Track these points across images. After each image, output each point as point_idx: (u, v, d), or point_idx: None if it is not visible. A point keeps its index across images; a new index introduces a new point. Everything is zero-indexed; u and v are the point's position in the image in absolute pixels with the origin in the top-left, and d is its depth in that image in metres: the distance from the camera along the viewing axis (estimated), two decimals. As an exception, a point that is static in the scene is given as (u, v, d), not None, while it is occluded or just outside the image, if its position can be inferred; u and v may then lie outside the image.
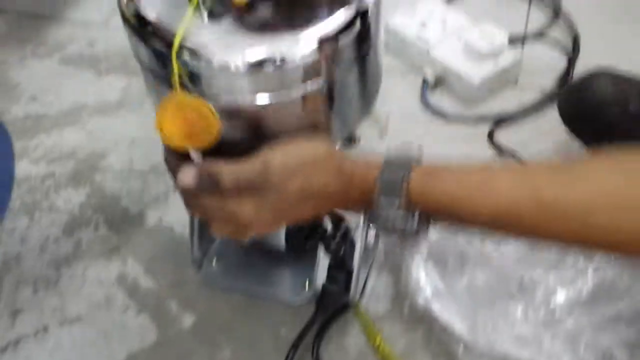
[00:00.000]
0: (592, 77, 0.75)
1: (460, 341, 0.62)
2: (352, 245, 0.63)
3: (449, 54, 0.90)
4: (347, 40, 0.49)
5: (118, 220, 0.79)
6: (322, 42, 0.47)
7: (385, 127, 0.87)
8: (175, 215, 0.79)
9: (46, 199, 0.82)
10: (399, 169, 0.47)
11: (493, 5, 1.05)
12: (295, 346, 0.65)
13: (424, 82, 0.91)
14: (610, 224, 0.42)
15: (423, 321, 0.66)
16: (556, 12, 1.01)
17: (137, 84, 0.97)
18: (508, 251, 0.64)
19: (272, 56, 0.46)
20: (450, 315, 0.64)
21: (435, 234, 0.67)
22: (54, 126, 0.91)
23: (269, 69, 0.47)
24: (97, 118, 0.92)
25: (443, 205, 0.46)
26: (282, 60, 0.46)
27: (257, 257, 0.71)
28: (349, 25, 0.48)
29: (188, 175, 0.49)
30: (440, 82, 0.92)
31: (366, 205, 0.49)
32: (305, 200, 0.50)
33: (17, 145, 0.89)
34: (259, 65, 0.47)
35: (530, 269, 0.62)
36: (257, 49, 0.46)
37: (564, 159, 0.48)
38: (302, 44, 0.47)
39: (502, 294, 0.63)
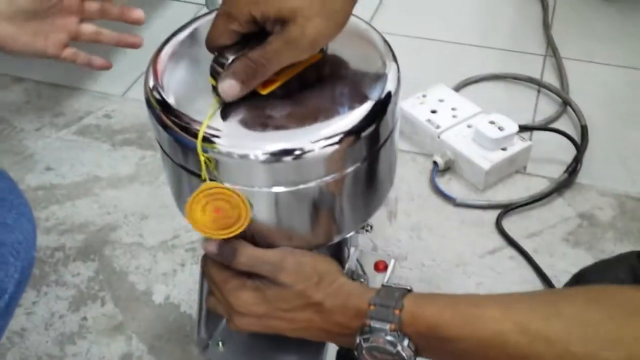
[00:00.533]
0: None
1: None
2: None
3: (459, 139, 0.92)
4: (366, 134, 0.50)
5: (124, 297, 0.79)
6: (342, 136, 0.48)
7: (394, 211, 0.88)
8: (182, 293, 0.79)
9: (55, 272, 0.82)
10: (392, 294, 0.50)
11: (501, 94, 1.08)
12: None
13: (434, 166, 0.92)
14: (588, 353, 0.43)
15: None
16: (565, 103, 1.03)
17: (151, 158, 0.98)
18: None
19: (292, 148, 0.47)
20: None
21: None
22: (67, 198, 0.92)
23: (287, 160, 0.48)
24: (109, 191, 0.93)
25: (431, 330, 0.48)
26: (302, 152, 0.47)
27: (263, 340, 0.70)
28: (368, 119, 0.50)
29: (212, 242, 0.52)
30: (449, 166, 0.93)
31: (356, 330, 0.50)
32: (301, 309, 0.52)
33: (29, 215, 0.90)
34: (277, 156, 0.48)
35: None
36: (277, 141, 0.47)
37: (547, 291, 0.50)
38: (322, 138, 0.48)
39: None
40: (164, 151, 0.52)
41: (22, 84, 1.13)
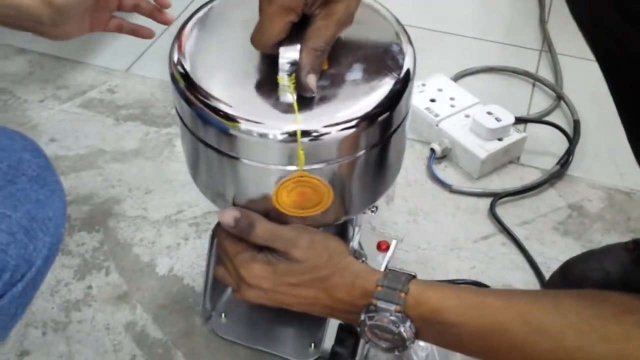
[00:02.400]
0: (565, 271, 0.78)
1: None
2: None
3: (457, 128, 0.95)
4: (381, 119, 0.52)
5: (129, 267, 0.81)
6: (357, 121, 0.50)
7: (392, 195, 0.91)
8: (185, 266, 0.81)
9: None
10: (399, 278, 0.53)
11: (498, 86, 1.10)
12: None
13: (432, 153, 0.95)
14: (581, 347, 0.46)
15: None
16: (559, 97, 1.06)
17: (154, 134, 1.00)
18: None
19: (307, 130, 0.49)
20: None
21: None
22: (72, 169, 0.94)
23: (305, 141, 0.50)
24: (113, 164, 0.95)
25: (434, 314, 0.51)
26: (320, 134, 0.49)
27: (265, 313, 0.73)
28: (384, 105, 0.52)
29: (229, 215, 0.54)
30: (446, 154, 0.96)
31: (362, 308, 0.53)
32: (308, 285, 0.55)
33: (33, 185, 0.91)
34: (295, 136, 0.50)
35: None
36: (294, 123, 0.50)
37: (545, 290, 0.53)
38: (337, 122, 0.50)
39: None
40: (185, 125, 0.54)
41: (25, 55, 1.14)
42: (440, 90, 1.01)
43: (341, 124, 0.50)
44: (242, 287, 0.57)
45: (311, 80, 0.50)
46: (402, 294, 0.51)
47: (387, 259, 0.72)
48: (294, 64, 0.50)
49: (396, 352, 0.54)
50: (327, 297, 0.55)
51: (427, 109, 0.98)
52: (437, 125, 0.96)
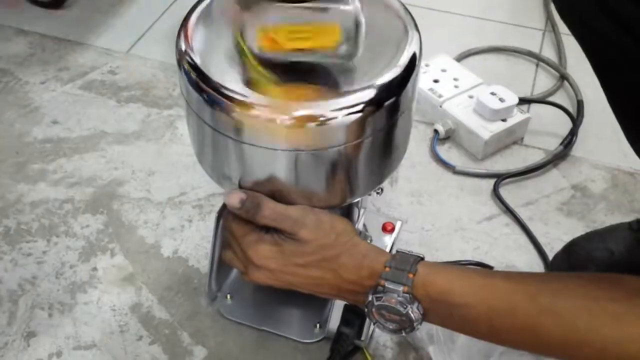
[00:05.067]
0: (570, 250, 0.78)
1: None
2: None
3: (461, 109, 0.94)
4: (388, 104, 0.52)
5: (134, 249, 0.81)
6: (363, 106, 0.50)
7: (395, 176, 0.91)
8: (190, 248, 0.81)
9: (64, 223, 0.84)
10: (407, 260, 0.53)
11: (501, 67, 1.10)
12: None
13: (435, 134, 0.95)
14: (591, 329, 0.46)
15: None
16: (562, 78, 1.06)
17: (156, 115, 1.00)
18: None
19: (314, 115, 0.49)
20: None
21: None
22: (74, 151, 0.93)
23: (311, 126, 0.50)
24: (116, 146, 0.94)
25: (442, 295, 0.51)
26: (326, 119, 0.49)
27: (271, 294, 0.73)
28: (390, 90, 0.52)
29: (235, 197, 0.54)
30: (450, 135, 0.96)
31: (369, 289, 0.53)
32: (316, 265, 0.55)
33: (35, 168, 0.91)
34: (301, 122, 0.50)
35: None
36: (301, 108, 0.49)
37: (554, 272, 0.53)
38: (343, 107, 0.50)
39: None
40: (190, 108, 0.54)
41: (25, 36, 1.13)
42: (443, 70, 1.00)
43: (348, 108, 0.50)
44: (249, 268, 0.57)
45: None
46: (410, 275, 0.51)
47: (392, 240, 0.72)
48: None
49: (403, 334, 0.55)
50: (335, 277, 0.55)
51: (431, 89, 0.97)
52: (440, 106, 0.96)
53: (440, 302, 0.51)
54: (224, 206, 0.65)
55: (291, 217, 0.54)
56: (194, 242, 0.82)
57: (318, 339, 0.71)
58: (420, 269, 0.52)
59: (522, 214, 0.86)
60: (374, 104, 0.51)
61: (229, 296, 0.74)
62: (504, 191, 0.89)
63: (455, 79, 0.99)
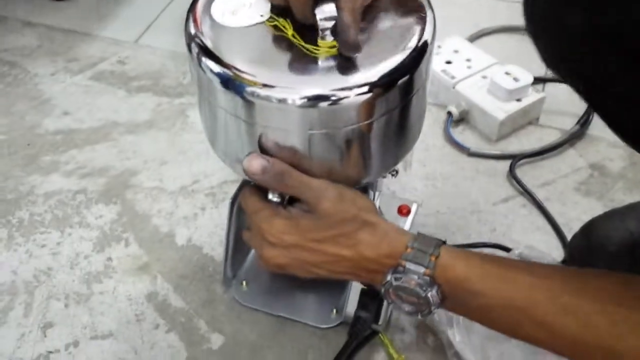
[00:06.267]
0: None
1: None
2: None
3: (474, 90, 0.93)
4: (401, 82, 0.51)
5: (148, 238, 0.81)
6: (376, 85, 0.49)
7: (409, 160, 0.90)
8: (204, 236, 0.81)
9: (77, 214, 0.84)
10: (430, 241, 0.51)
11: (514, 46, 1.08)
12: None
13: (449, 116, 0.94)
14: (614, 334, 0.44)
15: (446, 353, 0.68)
16: (577, 55, 1.04)
17: (167, 104, 0.99)
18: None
19: (326, 94, 0.48)
20: (466, 347, 0.66)
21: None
22: (85, 142, 0.93)
23: (322, 106, 0.49)
24: (127, 136, 0.94)
25: (462, 282, 0.49)
26: (339, 98, 0.49)
27: (286, 281, 0.73)
28: (404, 68, 0.51)
29: (256, 163, 0.52)
30: (464, 117, 0.94)
31: (388, 268, 0.52)
32: (333, 241, 0.53)
33: (47, 159, 0.91)
34: (313, 102, 0.49)
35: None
36: (313, 87, 0.49)
37: (579, 269, 0.51)
38: (356, 86, 0.49)
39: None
40: (202, 92, 0.53)
41: (33, 28, 1.13)
42: (456, 51, 0.99)
43: (361, 87, 0.49)
44: (263, 246, 0.55)
45: (356, 37, 0.49)
46: (433, 258, 0.50)
47: (409, 223, 0.71)
48: (333, 20, 0.49)
49: (419, 317, 0.54)
50: (352, 254, 0.53)
51: (443, 71, 0.96)
52: (453, 88, 0.94)
53: (458, 288, 0.50)
54: (238, 191, 0.65)
55: (314, 188, 0.52)
56: (207, 230, 0.82)
57: (335, 324, 0.70)
58: (442, 252, 0.51)
59: (539, 194, 0.84)
60: (387, 83, 0.50)
61: (244, 283, 0.73)
62: (520, 172, 0.88)
63: (468, 60, 0.97)
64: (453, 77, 0.95)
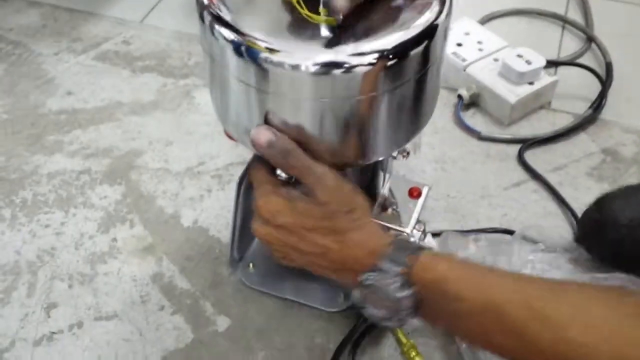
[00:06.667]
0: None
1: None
2: None
3: (486, 73, 0.91)
4: (414, 54, 0.49)
5: (153, 220, 0.79)
6: (388, 55, 0.48)
7: (418, 143, 0.88)
8: (210, 218, 0.80)
9: (82, 194, 0.82)
10: (410, 245, 0.50)
11: (526, 29, 1.07)
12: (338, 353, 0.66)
13: (459, 99, 0.92)
14: (585, 343, 0.42)
15: (455, 338, 0.67)
16: (589, 40, 1.02)
17: (172, 85, 0.97)
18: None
19: (339, 62, 0.47)
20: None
21: (474, 248, 0.68)
22: (90, 122, 0.92)
23: (335, 73, 0.47)
24: (132, 117, 0.93)
25: (438, 283, 0.47)
26: (349, 66, 0.47)
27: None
28: (417, 40, 0.49)
29: (264, 134, 0.50)
30: (474, 100, 0.93)
31: (366, 268, 0.50)
32: (323, 233, 0.51)
33: (51, 139, 0.90)
34: (325, 69, 0.47)
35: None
36: (326, 54, 0.47)
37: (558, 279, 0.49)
38: (368, 54, 0.48)
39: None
40: (213, 60, 0.52)
41: (37, 8, 1.11)
42: (467, 34, 0.97)
43: (373, 54, 0.47)
44: (256, 221, 0.54)
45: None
46: (411, 257, 0.48)
47: (419, 205, 0.69)
48: None
49: (390, 324, 0.51)
50: (338, 250, 0.51)
51: (454, 53, 0.94)
52: (464, 70, 0.93)
53: (435, 291, 0.47)
54: (245, 172, 0.63)
55: (315, 173, 0.51)
56: (214, 211, 0.81)
57: (342, 308, 0.69)
58: (423, 253, 0.49)
59: (551, 179, 0.83)
60: (401, 52, 0.48)
61: (251, 265, 0.72)
62: (531, 157, 0.86)
63: (479, 42, 0.96)
64: (464, 60, 0.93)
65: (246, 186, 0.64)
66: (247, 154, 0.67)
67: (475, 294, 0.46)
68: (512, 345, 0.45)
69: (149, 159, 0.87)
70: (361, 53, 0.47)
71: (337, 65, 0.47)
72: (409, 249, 0.49)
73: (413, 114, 0.55)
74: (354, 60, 0.47)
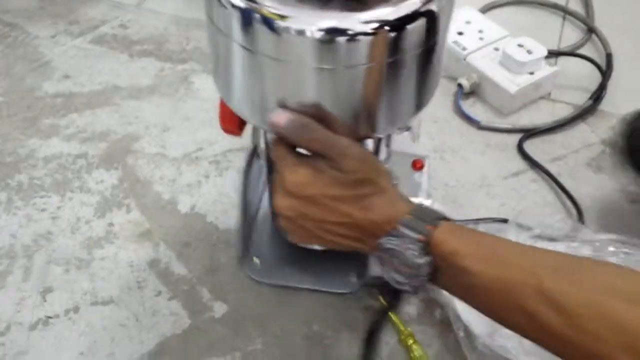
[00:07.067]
0: None
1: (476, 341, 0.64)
2: None
3: (486, 62, 0.91)
4: (415, 27, 0.49)
5: (150, 205, 0.79)
6: (389, 24, 0.47)
7: (417, 132, 0.88)
8: (207, 204, 0.79)
9: (78, 179, 0.82)
10: (431, 213, 0.50)
11: (527, 19, 1.06)
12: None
13: (459, 89, 0.92)
14: (594, 332, 0.41)
15: (453, 326, 0.67)
16: (590, 30, 1.02)
17: (169, 70, 0.97)
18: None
19: (344, 28, 0.46)
20: (474, 320, 0.65)
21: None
22: (86, 106, 0.91)
23: (339, 40, 0.47)
24: (129, 101, 0.92)
25: (451, 256, 0.47)
26: (352, 34, 0.47)
27: (297, 250, 0.70)
28: (418, 13, 0.49)
29: (283, 116, 0.50)
30: (474, 90, 0.92)
31: (386, 233, 0.50)
32: (348, 201, 0.51)
33: (47, 122, 0.89)
34: (329, 35, 0.47)
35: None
36: (330, 20, 0.47)
37: (574, 257, 0.48)
38: (370, 22, 0.47)
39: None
40: (220, 31, 0.51)
41: (33, -11, 1.10)
42: (468, 22, 0.97)
43: (375, 23, 0.46)
44: (279, 193, 0.53)
45: None
46: (430, 227, 0.48)
47: (425, 176, 0.68)
48: None
49: (408, 288, 0.51)
50: (363, 217, 0.51)
51: (455, 42, 0.94)
52: (464, 59, 0.92)
53: (448, 263, 0.48)
54: (249, 161, 0.62)
55: (338, 144, 0.50)
56: (211, 197, 0.80)
57: (356, 288, 0.69)
58: (442, 224, 0.49)
59: (550, 169, 0.83)
60: (401, 25, 0.47)
61: (255, 259, 0.72)
62: (530, 147, 0.86)
63: (480, 31, 0.95)
64: (464, 49, 0.93)
65: (250, 177, 0.63)
66: (247, 142, 0.67)
67: (486, 270, 0.46)
68: (523, 324, 0.45)
69: (145, 143, 0.86)
70: (367, 21, 0.46)
71: (341, 32, 0.46)
72: (428, 218, 0.49)
73: (417, 88, 0.55)
74: (358, 28, 0.46)
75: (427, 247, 0.48)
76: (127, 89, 0.94)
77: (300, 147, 0.52)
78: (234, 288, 0.71)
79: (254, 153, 0.68)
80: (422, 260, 0.48)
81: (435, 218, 0.50)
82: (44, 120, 0.89)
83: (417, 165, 0.70)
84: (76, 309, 0.69)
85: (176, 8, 1.06)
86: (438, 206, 0.72)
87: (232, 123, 0.59)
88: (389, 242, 0.50)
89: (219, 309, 0.69)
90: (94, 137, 0.87)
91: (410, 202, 0.53)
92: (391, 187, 0.52)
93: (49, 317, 0.68)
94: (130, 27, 1.04)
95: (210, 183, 0.82)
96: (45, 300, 0.70)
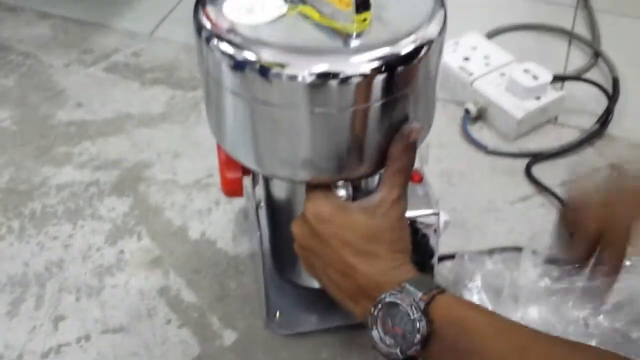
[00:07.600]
0: None
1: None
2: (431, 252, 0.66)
3: (492, 87, 0.92)
4: (407, 68, 0.49)
5: (161, 232, 0.80)
6: (381, 67, 0.48)
7: (425, 156, 0.89)
8: (218, 231, 0.80)
9: (90, 206, 0.83)
10: (432, 283, 0.49)
11: (533, 43, 1.07)
12: None
13: (466, 114, 0.92)
14: None
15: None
16: (596, 55, 1.02)
17: (180, 97, 0.98)
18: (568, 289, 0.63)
19: (332, 71, 0.47)
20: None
21: (490, 264, 0.67)
22: (99, 134, 0.92)
23: (329, 84, 0.47)
24: (141, 129, 0.93)
25: (456, 319, 0.47)
26: (342, 77, 0.47)
27: (315, 295, 0.67)
28: (411, 54, 0.49)
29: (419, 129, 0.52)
30: (481, 114, 0.93)
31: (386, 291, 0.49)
32: (358, 251, 0.50)
33: (61, 151, 0.90)
34: (319, 79, 0.47)
35: (595, 312, 0.61)
36: (321, 64, 0.47)
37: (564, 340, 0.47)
38: (362, 66, 0.47)
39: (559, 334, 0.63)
40: (237, 94, 0.51)
41: (48, 19, 1.12)
42: (474, 48, 0.98)
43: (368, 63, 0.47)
44: (299, 219, 0.53)
45: None
46: (434, 290, 0.48)
47: (428, 186, 0.68)
48: None
49: (395, 355, 0.48)
50: (363, 274, 0.50)
51: (461, 68, 0.95)
52: (471, 85, 0.93)
53: (452, 325, 0.46)
54: (266, 196, 0.63)
55: (397, 186, 0.51)
56: (221, 224, 0.81)
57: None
58: (445, 293, 0.48)
59: (558, 194, 0.83)
60: (391, 65, 0.48)
61: (277, 314, 0.71)
62: (538, 171, 0.86)
63: (486, 57, 0.96)
64: (471, 74, 0.94)
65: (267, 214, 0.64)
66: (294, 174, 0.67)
67: (492, 339, 0.45)
68: None
69: (157, 171, 0.87)
70: (358, 64, 0.47)
71: (331, 76, 0.46)
72: (431, 285, 0.48)
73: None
74: (350, 71, 0.46)
75: (427, 306, 0.47)
76: (139, 116, 0.95)
77: (404, 165, 0.52)
78: (244, 315, 0.71)
79: (257, 210, 0.67)
80: (419, 320, 0.46)
81: (436, 286, 0.49)
82: (57, 149, 0.91)
83: (415, 178, 0.69)
84: (87, 337, 0.70)
85: (186, 36, 1.08)
86: (444, 216, 0.71)
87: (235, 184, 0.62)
88: (391, 296, 0.48)
89: (229, 336, 0.70)
90: (107, 164, 0.88)
91: (413, 270, 0.51)
92: (404, 257, 0.52)
93: (61, 346, 0.69)
94: (143, 55, 1.06)
95: (221, 209, 0.83)
96: (57, 329, 0.71)
